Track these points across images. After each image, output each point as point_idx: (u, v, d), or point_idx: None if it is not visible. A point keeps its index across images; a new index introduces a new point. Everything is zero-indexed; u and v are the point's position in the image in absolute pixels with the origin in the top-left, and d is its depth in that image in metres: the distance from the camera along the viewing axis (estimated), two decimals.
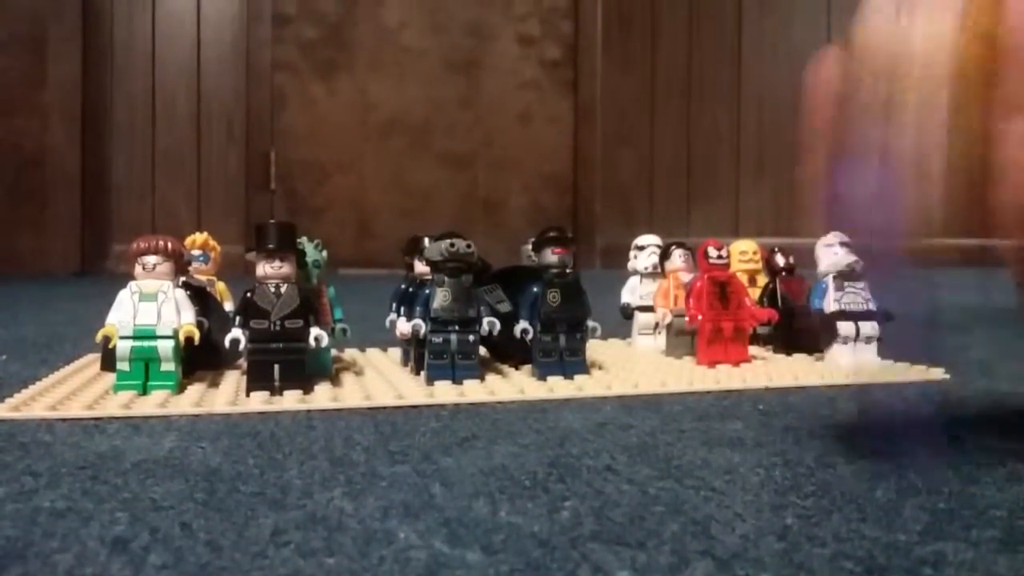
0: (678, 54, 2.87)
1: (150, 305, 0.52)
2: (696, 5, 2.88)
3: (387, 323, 0.63)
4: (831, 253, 0.62)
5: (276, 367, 0.51)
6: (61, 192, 2.36)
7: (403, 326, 0.58)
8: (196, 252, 0.66)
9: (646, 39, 2.86)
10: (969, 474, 0.33)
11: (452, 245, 0.56)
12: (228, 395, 0.50)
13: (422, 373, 0.56)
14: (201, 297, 0.58)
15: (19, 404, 0.47)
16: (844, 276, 0.62)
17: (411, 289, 0.62)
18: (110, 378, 0.53)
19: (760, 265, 0.76)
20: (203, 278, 0.66)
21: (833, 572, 0.23)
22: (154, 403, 0.48)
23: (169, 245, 0.53)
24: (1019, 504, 0.29)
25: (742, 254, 0.75)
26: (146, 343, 0.51)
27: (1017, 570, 0.23)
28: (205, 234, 0.68)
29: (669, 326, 0.69)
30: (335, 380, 0.57)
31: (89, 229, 2.39)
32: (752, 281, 0.74)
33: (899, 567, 0.24)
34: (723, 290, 0.64)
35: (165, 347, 0.51)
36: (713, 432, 0.42)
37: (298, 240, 0.56)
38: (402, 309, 0.62)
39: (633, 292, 0.75)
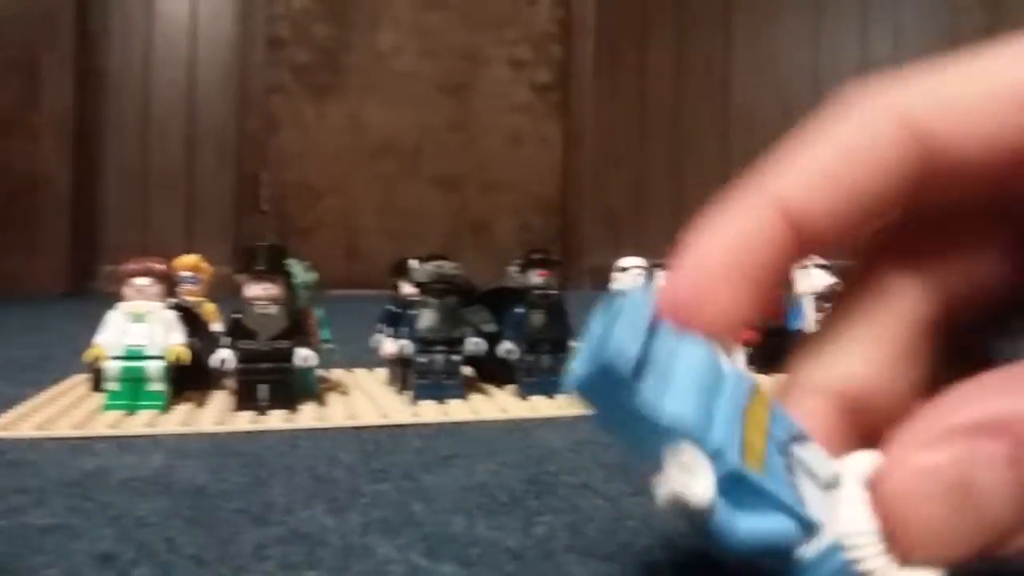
0: (667, 79, 2.90)
1: (140, 326, 0.53)
2: (685, 33, 2.91)
3: (374, 343, 0.64)
4: (806, 275, 0.63)
5: (264, 387, 0.52)
6: (52, 213, 2.36)
7: (389, 346, 0.59)
8: (186, 273, 0.67)
9: (636, 64, 2.88)
10: None
11: (439, 267, 0.57)
12: (215, 414, 0.51)
13: (408, 392, 0.57)
14: (190, 318, 0.59)
15: (8, 423, 0.47)
16: (822, 297, 0.63)
17: (398, 310, 0.63)
18: (99, 398, 0.54)
19: None
20: (192, 299, 0.66)
21: None
22: (142, 422, 0.48)
23: (159, 267, 0.54)
24: None
25: None
26: (135, 363, 0.52)
27: None
28: (195, 256, 0.69)
29: None
30: (321, 400, 0.57)
31: (79, 250, 2.39)
32: None
33: None
34: None
35: (154, 367, 0.52)
36: None
37: (287, 261, 0.57)
38: (389, 330, 0.62)
39: None
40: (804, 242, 0.22)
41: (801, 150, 0.22)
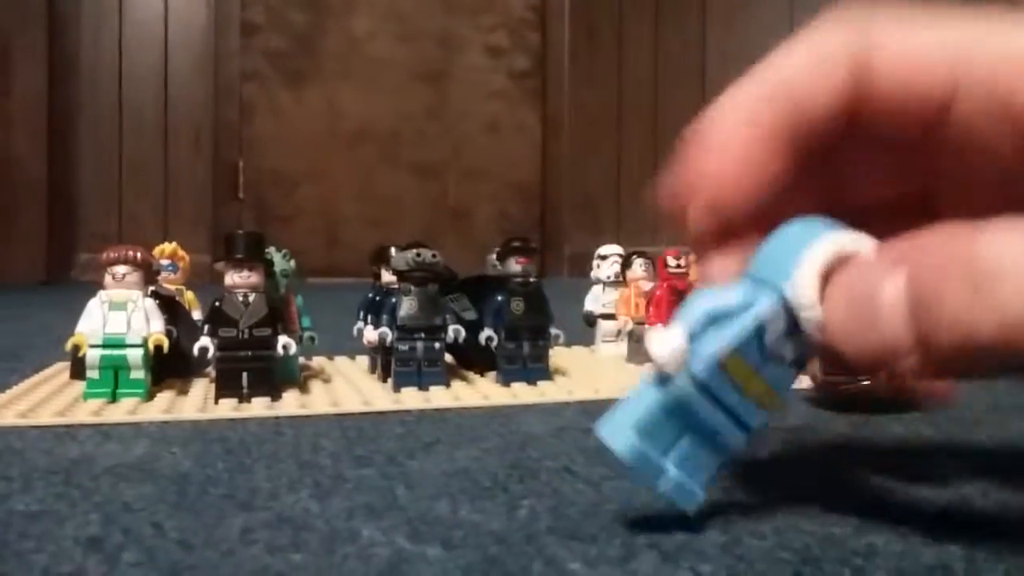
0: (644, 66, 2.91)
1: (120, 314, 0.53)
2: (661, 19, 2.92)
3: (355, 331, 0.65)
4: None
5: (244, 375, 0.52)
6: (26, 202, 2.34)
7: (370, 334, 0.59)
8: (165, 262, 0.67)
9: (613, 50, 2.89)
10: (905, 471, 0.35)
11: (418, 255, 0.57)
12: (197, 402, 0.51)
13: (389, 380, 0.58)
14: (170, 306, 0.59)
15: None
16: None
17: (378, 298, 0.64)
18: (79, 386, 0.54)
19: None
20: (172, 287, 0.66)
21: (771, 563, 0.25)
22: (124, 410, 0.49)
23: (139, 255, 0.54)
24: (951, 503, 0.31)
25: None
26: (116, 351, 0.52)
27: (941, 559, 0.25)
28: (174, 244, 0.69)
29: (630, 333, 0.71)
30: (303, 387, 0.58)
31: (55, 239, 2.37)
32: None
33: (833, 558, 0.25)
34: (682, 298, 0.66)
35: (135, 355, 0.52)
36: None
37: (266, 250, 0.57)
38: (369, 317, 0.63)
39: (596, 300, 0.77)
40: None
41: (772, 61, 0.28)
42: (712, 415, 0.26)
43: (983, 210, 0.24)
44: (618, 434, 0.26)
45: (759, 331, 0.25)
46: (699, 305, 0.26)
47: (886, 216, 0.28)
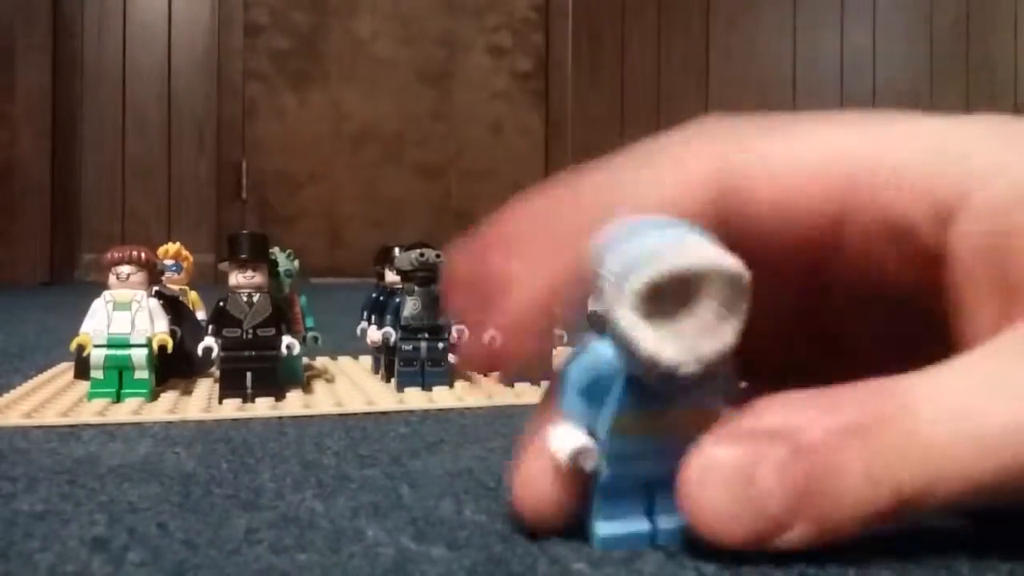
0: (647, 66, 2.90)
1: (124, 314, 0.53)
2: (664, 19, 2.92)
3: (358, 331, 0.65)
4: None
5: (248, 375, 0.52)
6: (30, 202, 2.34)
7: (373, 334, 0.59)
8: (169, 262, 0.67)
9: (616, 51, 2.89)
10: None
11: (422, 255, 0.57)
12: (201, 402, 0.51)
13: (392, 380, 0.58)
14: (174, 306, 0.59)
15: None
16: None
17: (382, 298, 0.64)
18: (83, 386, 0.54)
19: None
20: (176, 287, 0.66)
21: (775, 563, 0.25)
22: (128, 410, 0.49)
23: (143, 255, 0.54)
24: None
25: None
26: (120, 352, 0.52)
27: (947, 559, 0.25)
28: (178, 244, 0.69)
29: None
30: (307, 387, 0.58)
31: (58, 239, 2.38)
32: None
33: (837, 557, 0.25)
34: None
35: (139, 355, 0.52)
36: None
37: (270, 250, 0.57)
38: (373, 317, 0.63)
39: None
40: None
41: (637, 184, 0.26)
42: (654, 468, 0.25)
43: (880, 342, 0.24)
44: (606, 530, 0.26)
45: (632, 384, 0.24)
46: (572, 387, 0.25)
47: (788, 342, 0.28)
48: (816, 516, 0.22)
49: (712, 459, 0.23)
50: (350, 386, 0.58)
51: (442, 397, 0.54)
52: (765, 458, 0.22)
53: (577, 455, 0.24)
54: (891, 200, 0.23)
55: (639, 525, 0.26)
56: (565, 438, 0.25)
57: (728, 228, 0.24)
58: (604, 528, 0.26)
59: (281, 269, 0.60)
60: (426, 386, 0.56)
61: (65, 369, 0.64)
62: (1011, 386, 0.21)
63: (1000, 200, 0.22)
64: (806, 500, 0.22)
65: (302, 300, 0.63)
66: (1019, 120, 0.24)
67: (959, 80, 3.25)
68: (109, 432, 0.44)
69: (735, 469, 0.22)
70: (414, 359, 0.57)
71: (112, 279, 0.53)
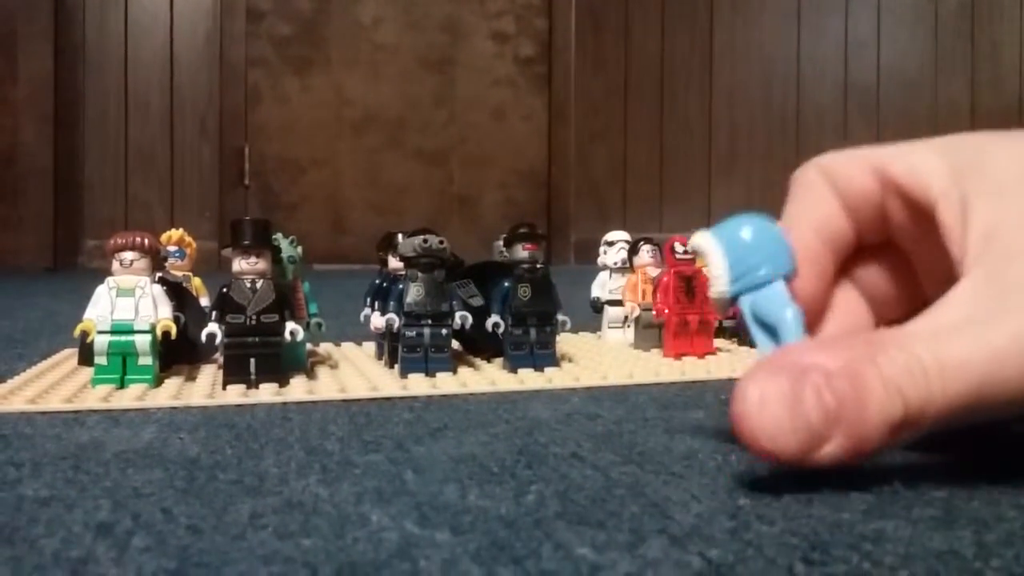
0: (650, 51, 2.89)
1: (127, 300, 0.53)
2: (668, 4, 2.90)
3: (361, 318, 0.65)
4: None
5: (252, 361, 0.52)
6: (33, 189, 2.34)
7: (377, 320, 0.59)
8: (172, 248, 0.67)
9: (619, 36, 2.88)
10: (913, 459, 0.35)
11: (425, 241, 0.57)
12: (205, 388, 0.51)
13: (396, 366, 0.58)
14: (177, 292, 0.59)
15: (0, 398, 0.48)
16: None
17: (385, 284, 0.64)
18: (87, 372, 0.54)
19: None
20: (179, 273, 0.67)
21: (779, 547, 0.25)
22: (132, 396, 0.49)
23: (146, 241, 0.54)
24: (957, 487, 0.31)
25: None
26: (124, 338, 0.52)
27: (951, 545, 0.25)
28: (181, 230, 0.69)
29: (637, 319, 0.71)
30: (310, 373, 0.58)
31: (61, 225, 2.38)
32: None
33: (842, 543, 0.25)
34: (689, 284, 0.66)
35: (142, 341, 0.52)
36: (675, 420, 0.44)
37: (273, 236, 0.57)
38: (376, 304, 0.63)
39: (603, 287, 0.77)
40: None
41: (801, 212, 0.37)
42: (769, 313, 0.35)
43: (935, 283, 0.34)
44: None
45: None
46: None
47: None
48: (848, 426, 0.28)
49: (767, 387, 0.29)
50: (354, 372, 0.58)
51: (446, 383, 0.54)
52: (806, 384, 0.29)
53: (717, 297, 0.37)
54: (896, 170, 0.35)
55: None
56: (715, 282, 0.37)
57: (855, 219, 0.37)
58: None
59: (284, 255, 0.60)
60: (429, 372, 0.56)
61: (69, 355, 0.64)
62: (975, 325, 0.29)
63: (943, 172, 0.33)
64: (841, 412, 0.28)
65: (305, 286, 0.63)
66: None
67: (963, 66, 3.23)
68: (113, 418, 0.44)
69: (786, 394, 0.29)
70: (417, 345, 0.57)
71: (115, 265, 0.53)
